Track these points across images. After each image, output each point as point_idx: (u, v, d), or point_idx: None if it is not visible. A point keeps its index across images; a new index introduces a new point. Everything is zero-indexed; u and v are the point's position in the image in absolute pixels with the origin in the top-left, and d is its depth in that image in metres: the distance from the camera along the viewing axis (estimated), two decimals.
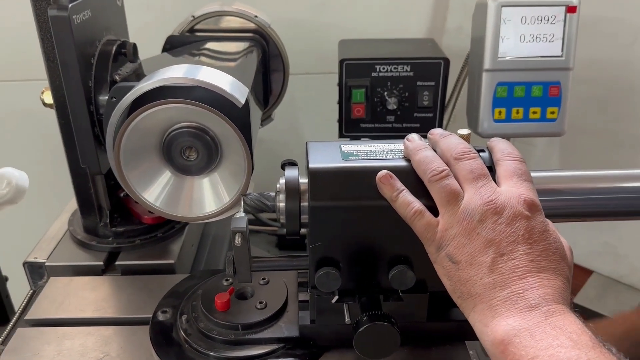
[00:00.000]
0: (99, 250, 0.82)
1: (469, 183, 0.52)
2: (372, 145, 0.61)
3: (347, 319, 0.59)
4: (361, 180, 0.57)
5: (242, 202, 0.62)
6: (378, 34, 1.15)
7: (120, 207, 0.85)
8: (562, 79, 0.82)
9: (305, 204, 0.59)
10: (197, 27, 0.92)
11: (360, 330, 0.57)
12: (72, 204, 0.95)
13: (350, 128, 0.98)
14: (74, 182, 0.80)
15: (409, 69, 0.94)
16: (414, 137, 0.59)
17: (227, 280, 0.70)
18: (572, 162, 1.19)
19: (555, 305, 0.46)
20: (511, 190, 0.51)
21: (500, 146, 0.57)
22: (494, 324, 0.46)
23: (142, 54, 0.84)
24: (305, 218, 0.59)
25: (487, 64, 0.82)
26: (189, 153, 0.63)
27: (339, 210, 0.57)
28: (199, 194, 0.62)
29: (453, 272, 0.50)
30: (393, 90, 0.95)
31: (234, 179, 0.62)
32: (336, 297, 0.60)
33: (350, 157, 0.59)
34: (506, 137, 0.88)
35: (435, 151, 0.56)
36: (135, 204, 0.86)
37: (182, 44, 0.88)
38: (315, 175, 0.57)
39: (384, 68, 0.94)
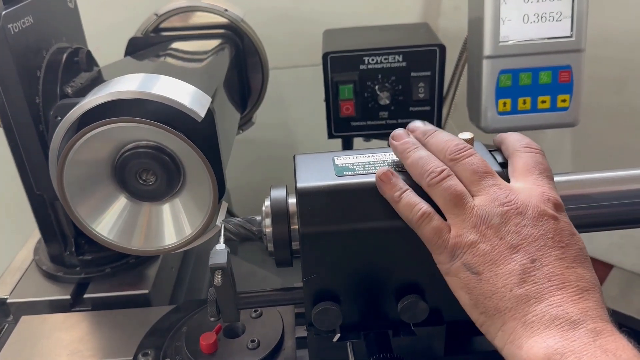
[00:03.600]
0: (66, 282, 0.74)
1: (476, 185, 0.45)
2: (371, 155, 0.54)
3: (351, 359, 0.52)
4: (359, 199, 0.49)
5: (223, 229, 0.54)
6: (367, 20, 1.05)
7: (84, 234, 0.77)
8: (572, 62, 0.73)
9: (295, 227, 0.51)
10: (163, 25, 0.83)
11: None
12: None
13: (340, 128, 0.88)
14: (32, 208, 0.71)
15: (401, 59, 0.84)
16: (399, 133, 0.52)
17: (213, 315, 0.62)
18: (586, 149, 1.10)
19: (601, 323, 0.38)
20: (532, 188, 0.45)
21: (514, 137, 0.51)
22: (531, 344, 0.39)
23: (106, 59, 0.75)
24: (297, 245, 0.51)
25: (487, 50, 0.73)
26: (147, 176, 0.54)
27: (335, 236, 0.49)
28: (157, 223, 0.54)
29: (473, 284, 0.43)
30: (385, 84, 0.86)
31: (197, 206, 0.54)
32: (338, 335, 0.53)
33: (345, 172, 0.51)
34: (513, 131, 0.79)
35: None
36: None
37: (146, 46, 0.79)
38: (304, 197, 0.49)
39: (373, 59, 0.84)
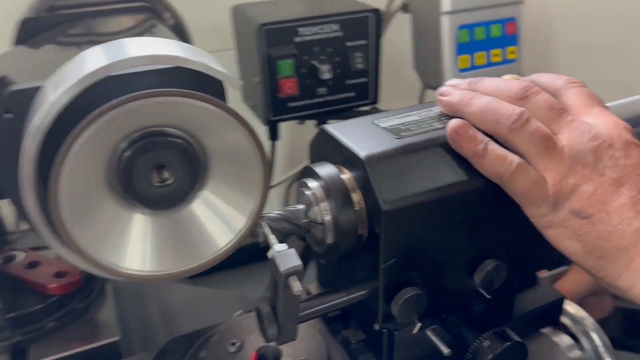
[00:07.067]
0: None
1: (555, 122, 0.42)
2: (413, 113, 0.48)
3: (445, 350, 0.44)
4: (434, 159, 0.43)
5: (267, 228, 0.42)
6: None
7: (6, 280, 0.57)
8: (517, 14, 0.74)
9: (358, 207, 0.42)
10: (60, 3, 0.65)
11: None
12: None
13: (279, 110, 0.79)
14: None
15: (337, 28, 0.78)
16: (447, 89, 0.47)
17: (233, 344, 0.49)
18: None
19: None
20: (602, 120, 0.43)
21: (547, 77, 0.47)
22: None
23: None
24: (362, 229, 0.43)
25: (446, 6, 0.70)
26: (162, 175, 0.40)
27: (415, 207, 0.41)
28: (197, 227, 0.40)
29: (586, 230, 0.40)
30: (321, 56, 0.79)
31: (240, 190, 0.41)
32: (419, 325, 0.45)
33: (402, 134, 0.43)
34: None
35: None
36: (28, 270, 0.58)
37: (45, 28, 0.61)
38: (376, 166, 0.40)
39: (309, 30, 0.77)
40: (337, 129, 0.45)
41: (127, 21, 0.64)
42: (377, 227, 0.41)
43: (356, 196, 0.42)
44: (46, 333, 0.55)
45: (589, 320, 0.69)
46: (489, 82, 0.46)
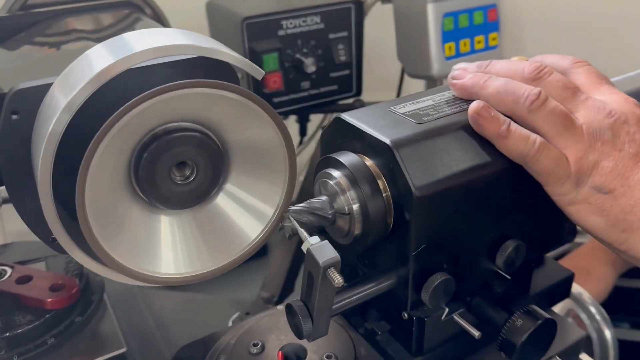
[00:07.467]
0: None
1: (570, 101, 0.43)
2: (427, 99, 0.47)
3: (476, 333, 0.44)
4: (460, 143, 0.42)
5: (293, 220, 0.40)
6: None
7: None
8: (497, 0, 0.75)
9: (386, 194, 0.41)
10: (34, 1, 0.61)
11: (524, 339, 0.42)
12: None
13: None
14: None
15: (319, 20, 0.77)
16: (459, 72, 0.46)
17: (255, 345, 0.48)
18: None
19: None
20: (612, 97, 0.44)
21: (553, 58, 0.48)
22: None
23: None
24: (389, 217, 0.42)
25: None
26: (183, 172, 0.38)
27: (446, 193, 0.41)
28: (226, 222, 0.39)
29: (609, 204, 0.41)
30: (304, 50, 0.77)
31: (264, 180, 0.40)
32: (447, 310, 0.44)
33: (423, 119, 0.43)
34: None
35: None
36: (20, 286, 0.54)
37: (20, 28, 0.57)
38: (404, 150, 0.40)
39: (292, 23, 0.75)
40: (356, 117, 0.45)
41: (108, 17, 0.61)
42: (408, 214, 0.40)
43: (381, 183, 0.42)
44: (46, 351, 0.52)
45: (585, 295, 0.71)
46: (501, 64, 0.46)
